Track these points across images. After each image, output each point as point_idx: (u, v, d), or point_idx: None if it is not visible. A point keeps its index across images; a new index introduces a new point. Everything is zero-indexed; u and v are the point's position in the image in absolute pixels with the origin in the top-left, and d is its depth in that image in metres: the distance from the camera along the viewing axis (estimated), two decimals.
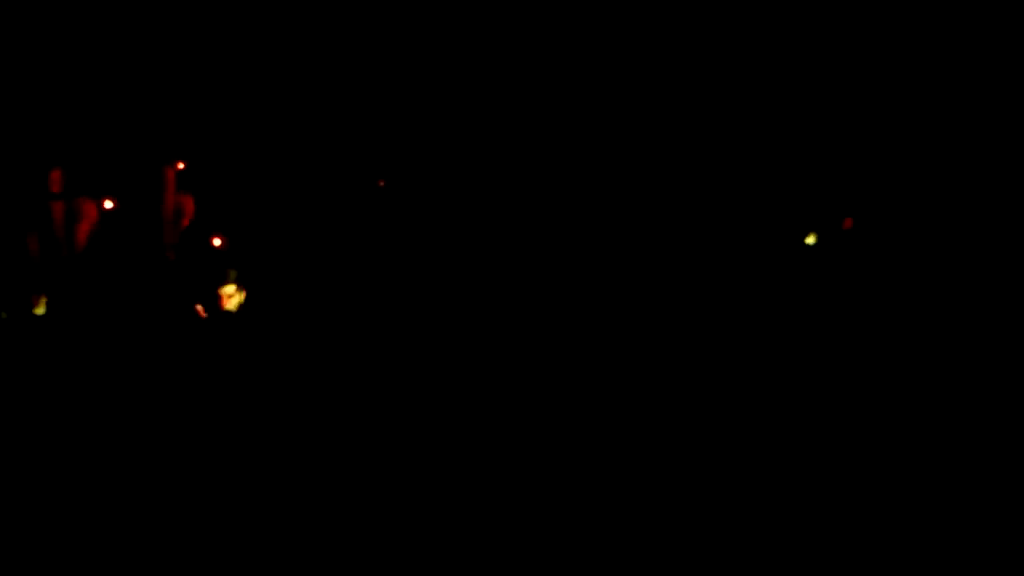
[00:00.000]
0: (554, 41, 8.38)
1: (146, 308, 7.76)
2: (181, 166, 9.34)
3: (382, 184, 9.28)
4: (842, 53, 7.62)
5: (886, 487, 4.28)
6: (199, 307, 6.62)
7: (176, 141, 9.38)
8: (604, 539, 3.76)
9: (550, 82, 8.49)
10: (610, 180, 8.23)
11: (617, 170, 8.24)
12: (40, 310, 6.62)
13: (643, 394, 5.61)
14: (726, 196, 7.93)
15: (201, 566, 3.47)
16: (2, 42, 8.48)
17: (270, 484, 4.28)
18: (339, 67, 9.36)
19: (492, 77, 8.72)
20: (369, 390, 5.77)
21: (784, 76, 7.80)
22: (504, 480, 4.33)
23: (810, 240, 7.51)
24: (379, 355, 6.48)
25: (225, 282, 6.46)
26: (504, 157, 8.72)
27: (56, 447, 4.83)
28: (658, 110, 8.13)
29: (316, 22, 9.32)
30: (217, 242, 8.64)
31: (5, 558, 3.50)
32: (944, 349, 6.18)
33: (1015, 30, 6.99)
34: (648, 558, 3.62)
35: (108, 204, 8.77)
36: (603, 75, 8.19)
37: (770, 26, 7.72)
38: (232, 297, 6.50)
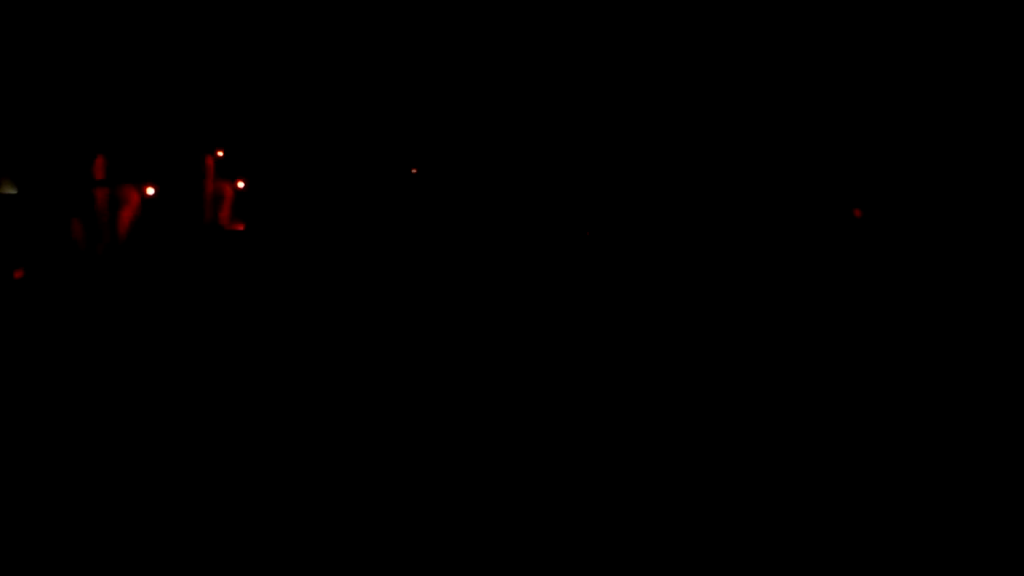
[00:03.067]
0: (571, 43, 8.46)
1: (188, 290, 7.96)
2: (220, 154, 9.55)
3: (414, 172, 9.43)
4: (848, 52, 7.63)
5: (887, 487, 4.30)
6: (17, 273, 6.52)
7: (215, 130, 9.57)
8: (604, 539, 3.82)
9: (565, 85, 8.56)
10: (617, 178, 8.29)
11: (623, 169, 8.30)
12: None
13: (645, 393, 5.66)
14: (734, 192, 7.97)
15: (202, 566, 3.58)
16: (48, 35, 8.68)
17: (287, 480, 4.40)
18: (372, 62, 9.49)
19: (505, 78, 8.81)
20: (380, 382, 5.89)
21: (792, 74, 7.83)
22: (504, 480, 4.40)
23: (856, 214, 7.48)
24: (391, 349, 6.60)
25: None
26: (519, 156, 8.80)
27: (93, 425, 4.97)
28: (669, 110, 8.18)
29: (352, 19, 9.45)
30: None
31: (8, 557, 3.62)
32: (947, 347, 6.19)
33: (1015, 30, 6.99)
34: (648, 558, 3.68)
35: (150, 190, 9.00)
36: (615, 76, 8.26)
37: (777, 26, 7.75)
38: None
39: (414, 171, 9.42)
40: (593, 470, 4.37)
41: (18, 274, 7.31)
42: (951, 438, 4.76)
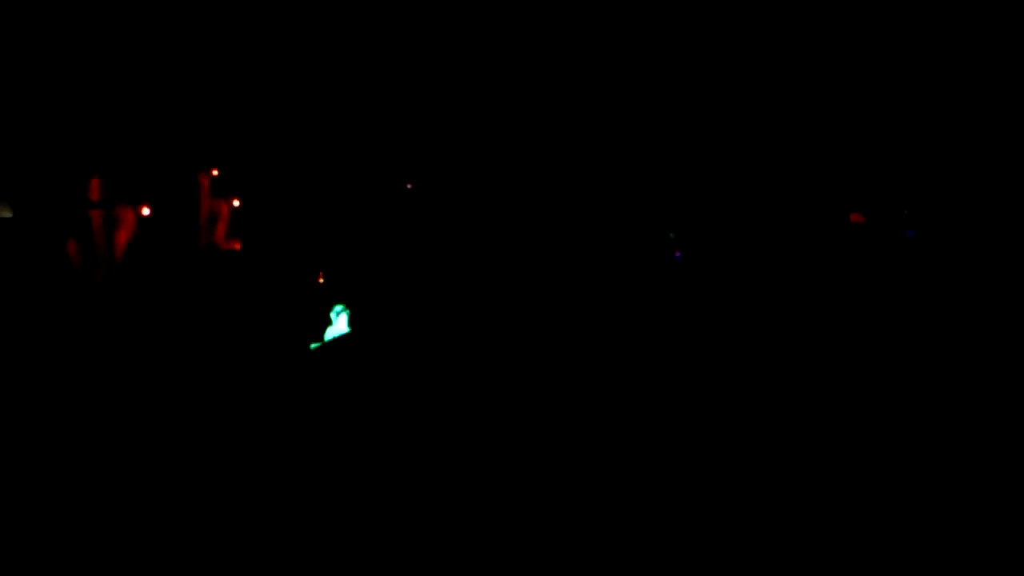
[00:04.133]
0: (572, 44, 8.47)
1: (184, 312, 7.95)
2: (215, 173, 9.56)
3: (409, 187, 9.44)
4: (847, 52, 7.65)
5: (889, 488, 4.30)
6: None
7: (210, 149, 9.58)
8: (604, 539, 3.82)
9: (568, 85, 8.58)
10: (619, 180, 8.31)
11: (625, 170, 8.32)
12: None
13: (647, 394, 5.68)
14: (733, 194, 7.98)
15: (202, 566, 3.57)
16: (41, 52, 8.70)
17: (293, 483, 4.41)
18: (369, 76, 9.51)
19: (505, 79, 8.82)
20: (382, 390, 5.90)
21: (790, 75, 7.84)
22: (505, 481, 4.40)
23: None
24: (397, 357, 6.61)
25: None
26: (520, 160, 8.82)
27: (90, 450, 4.98)
28: (669, 110, 8.20)
29: (350, 32, 9.47)
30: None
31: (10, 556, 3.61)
32: (950, 348, 6.20)
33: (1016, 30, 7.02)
34: (648, 558, 3.68)
35: (145, 211, 9.00)
36: (619, 76, 8.27)
37: (776, 24, 7.77)
38: None
39: (409, 186, 9.44)
40: (595, 471, 4.37)
41: None
42: (958, 440, 4.75)
